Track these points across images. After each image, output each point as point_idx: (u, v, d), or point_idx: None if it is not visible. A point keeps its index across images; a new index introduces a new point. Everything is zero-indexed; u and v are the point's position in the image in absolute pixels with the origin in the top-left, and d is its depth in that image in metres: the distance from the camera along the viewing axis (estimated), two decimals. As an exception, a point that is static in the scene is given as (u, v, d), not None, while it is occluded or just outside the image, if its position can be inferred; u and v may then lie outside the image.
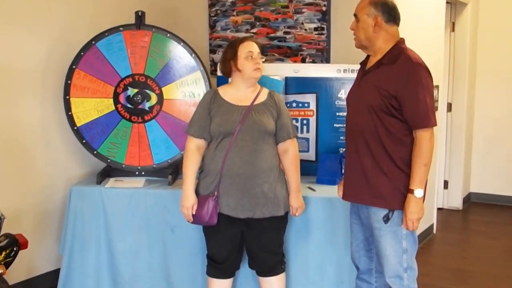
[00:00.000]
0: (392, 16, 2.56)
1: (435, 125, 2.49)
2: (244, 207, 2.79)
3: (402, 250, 2.58)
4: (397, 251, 2.57)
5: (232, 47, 2.87)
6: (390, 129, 2.49)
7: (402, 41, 2.59)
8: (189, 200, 2.84)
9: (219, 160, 2.79)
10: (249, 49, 2.82)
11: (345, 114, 3.46)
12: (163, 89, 3.52)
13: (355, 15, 2.61)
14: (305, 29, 4.21)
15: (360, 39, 2.60)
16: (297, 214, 2.95)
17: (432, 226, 5.17)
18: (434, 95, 4.84)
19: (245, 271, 3.11)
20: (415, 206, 2.47)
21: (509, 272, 4.29)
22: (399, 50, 2.53)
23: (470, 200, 6.32)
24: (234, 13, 4.49)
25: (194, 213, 2.83)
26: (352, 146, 2.63)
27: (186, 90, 3.53)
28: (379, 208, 2.55)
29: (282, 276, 2.99)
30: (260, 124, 2.79)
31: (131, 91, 3.51)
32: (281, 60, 4.31)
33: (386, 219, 2.54)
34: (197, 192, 2.88)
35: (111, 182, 3.48)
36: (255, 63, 2.82)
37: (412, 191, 2.47)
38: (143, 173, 3.57)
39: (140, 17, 3.52)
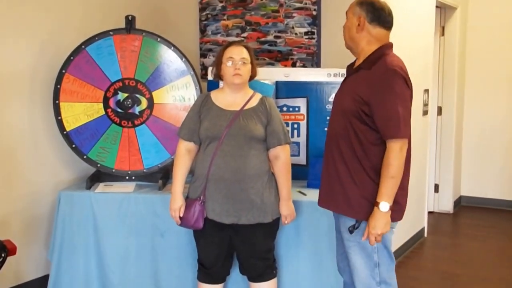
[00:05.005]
0: (376, 16, 2.43)
1: (406, 137, 2.35)
2: (228, 212, 2.77)
3: (373, 263, 2.46)
4: (368, 264, 2.46)
5: (220, 51, 2.88)
6: (360, 136, 2.38)
7: (387, 45, 2.46)
8: (177, 202, 2.85)
9: (206, 164, 2.78)
10: (230, 55, 2.81)
11: (336, 118, 3.50)
12: (153, 93, 3.51)
13: (346, 13, 2.55)
14: (296, 34, 4.21)
15: (345, 38, 2.55)
16: (286, 223, 2.92)
17: (423, 229, 5.18)
18: (424, 99, 4.93)
19: (236, 276, 3.10)
20: (379, 220, 2.32)
21: (500, 275, 4.31)
22: (379, 55, 2.41)
23: (461, 203, 6.34)
24: (225, 17, 4.49)
25: (181, 215, 2.83)
26: (329, 152, 2.53)
27: (177, 94, 3.52)
28: (348, 218, 2.46)
29: (273, 281, 2.97)
30: (247, 130, 2.77)
31: (121, 96, 3.50)
32: (272, 65, 4.30)
33: (352, 229, 2.43)
34: (188, 195, 2.88)
35: (101, 187, 3.46)
36: (234, 69, 2.79)
37: (377, 204, 2.32)
38: (133, 177, 3.55)
39: (130, 21, 3.51)
